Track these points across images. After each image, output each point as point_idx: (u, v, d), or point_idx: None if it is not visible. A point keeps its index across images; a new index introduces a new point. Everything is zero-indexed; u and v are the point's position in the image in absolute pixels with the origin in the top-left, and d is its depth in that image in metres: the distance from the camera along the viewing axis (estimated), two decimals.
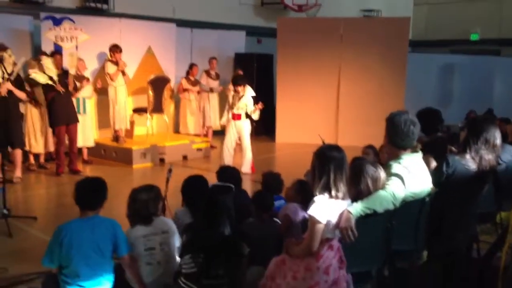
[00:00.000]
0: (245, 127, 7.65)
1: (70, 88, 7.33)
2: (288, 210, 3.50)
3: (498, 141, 3.49)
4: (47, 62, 7.15)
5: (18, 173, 6.97)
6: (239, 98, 7.48)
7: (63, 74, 7.30)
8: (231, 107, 7.56)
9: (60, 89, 7.12)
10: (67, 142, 7.51)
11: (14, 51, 7.63)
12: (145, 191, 3.40)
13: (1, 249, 4.56)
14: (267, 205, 3.68)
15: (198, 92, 9.93)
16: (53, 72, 7.13)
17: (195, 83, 9.92)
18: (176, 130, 10.06)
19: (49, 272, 3.33)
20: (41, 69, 7.15)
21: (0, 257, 4.30)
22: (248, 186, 6.17)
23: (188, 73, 9.85)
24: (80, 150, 8.17)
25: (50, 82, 7.08)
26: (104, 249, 3.08)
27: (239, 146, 7.97)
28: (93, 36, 8.69)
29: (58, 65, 7.31)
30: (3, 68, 5.90)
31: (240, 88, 7.46)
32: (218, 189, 3.99)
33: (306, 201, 3.52)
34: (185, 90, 9.75)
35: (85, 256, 3.01)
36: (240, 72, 10.32)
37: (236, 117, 7.56)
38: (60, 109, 7.25)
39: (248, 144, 7.70)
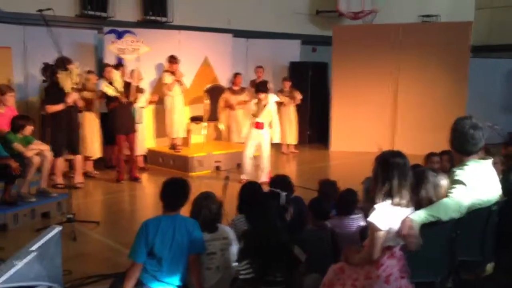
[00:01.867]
0: (266, 137, 7.49)
1: (132, 99, 7.60)
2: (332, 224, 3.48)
3: None
4: (115, 74, 7.53)
5: (79, 178, 7.26)
6: (263, 107, 7.37)
7: (126, 85, 7.58)
8: (255, 115, 7.40)
9: (125, 100, 7.43)
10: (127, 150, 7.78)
11: (79, 64, 8.04)
12: (208, 199, 3.46)
13: (66, 252, 4.72)
14: (324, 212, 3.63)
15: (245, 102, 9.91)
16: (120, 84, 7.47)
17: (240, 92, 9.83)
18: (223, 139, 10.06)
19: (115, 274, 3.43)
20: (110, 81, 7.57)
21: (65, 260, 4.46)
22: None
23: (232, 83, 9.80)
24: None
25: (118, 95, 7.41)
26: (183, 247, 3.20)
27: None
28: (153, 47, 8.95)
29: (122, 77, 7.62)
30: (70, 79, 6.20)
31: (262, 96, 7.29)
32: (267, 195, 3.99)
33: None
34: (228, 106, 9.62)
35: (166, 251, 3.15)
36: (288, 82, 10.29)
37: (259, 126, 7.38)
38: (120, 119, 7.53)
39: (267, 154, 7.52)
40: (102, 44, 8.89)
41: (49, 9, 5.26)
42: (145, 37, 8.97)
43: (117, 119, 7.53)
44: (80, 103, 7.12)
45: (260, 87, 7.45)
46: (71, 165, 7.40)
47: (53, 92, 6.70)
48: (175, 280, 3.22)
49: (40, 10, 5.32)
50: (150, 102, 8.76)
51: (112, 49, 8.77)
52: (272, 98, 7.47)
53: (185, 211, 3.51)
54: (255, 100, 7.47)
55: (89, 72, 7.97)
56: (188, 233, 3.22)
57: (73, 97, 6.64)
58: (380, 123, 10.40)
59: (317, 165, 9.58)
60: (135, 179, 7.71)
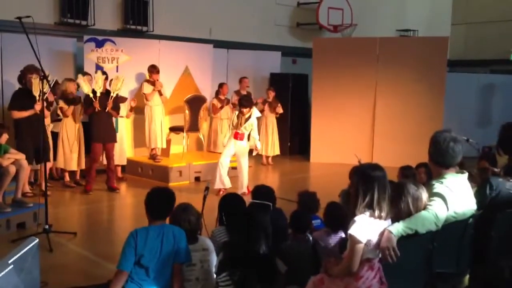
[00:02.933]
0: (246, 148, 7.51)
1: (109, 108, 7.49)
2: (317, 237, 3.50)
3: None
4: (99, 78, 7.46)
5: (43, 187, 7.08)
6: (245, 120, 7.35)
7: (105, 94, 7.50)
8: (236, 127, 7.38)
9: (97, 106, 7.33)
10: (102, 160, 7.69)
11: (57, 72, 7.95)
12: (187, 210, 3.45)
13: (42, 263, 4.60)
14: (304, 226, 3.65)
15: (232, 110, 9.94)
16: (99, 89, 7.40)
17: (226, 102, 9.89)
18: (208, 149, 10.04)
19: (92, 286, 3.38)
20: (90, 82, 7.51)
21: (41, 272, 4.37)
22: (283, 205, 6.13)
23: (218, 92, 9.83)
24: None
25: (91, 95, 7.34)
26: (170, 256, 3.19)
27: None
28: (133, 57, 8.95)
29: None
30: (40, 87, 6.07)
31: (245, 110, 7.30)
32: (257, 206, 3.99)
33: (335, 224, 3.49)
34: (214, 111, 9.69)
35: (155, 260, 3.13)
36: (272, 92, 10.35)
37: (239, 136, 7.36)
38: (97, 127, 7.42)
39: (246, 166, 7.51)
40: (82, 52, 8.81)
41: (28, 16, 5.19)
42: (125, 46, 8.96)
43: (94, 127, 7.43)
44: (47, 113, 6.99)
45: (244, 102, 7.38)
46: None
47: (21, 98, 6.59)
48: None
49: (19, 18, 5.24)
50: (131, 109, 8.62)
51: (92, 57, 8.72)
52: (255, 113, 7.49)
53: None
54: (237, 113, 7.47)
55: (69, 80, 7.87)
56: (175, 242, 3.21)
57: (40, 105, 6.54)
58: (359, 135, 10.52)
59: (296, 176, 9.62)
60: (113, 190, 7.62)
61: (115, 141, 7.72)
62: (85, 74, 8.00)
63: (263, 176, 9.42)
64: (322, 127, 10.72)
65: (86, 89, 7.43)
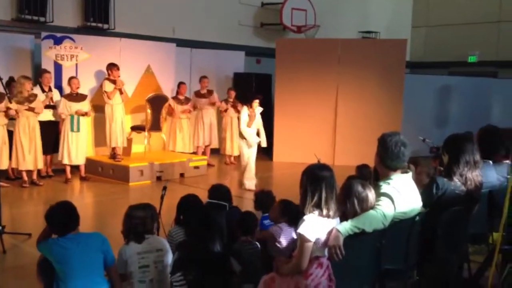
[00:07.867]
0: (256, 146, 8.01)
1: None
2: (273, 231, 3.53)
3: (477, 156, 3.54)
4: None
5: None
6: (254, 116, 7.69)
7: None
8: (248, 126, 7.69)
9: None
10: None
11: (14, 69, 7.74)
12: (141, 209, 3.43)
13: None
14: (249, 228, 3.64)
15: (189, 111, 9.85)
16: None
17: (185, 101, 9.80)
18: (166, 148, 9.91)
19: None
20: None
21: None
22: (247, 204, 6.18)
23: (177, 92, 9.75)
24: (77, 167, 8.28)
25: None
26: (96, 263, 3.14)
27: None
28: (93, 54, 8.81)
29: None
30: None
31: (255, 104, 7.73)
32: (212, 206, 4.01)
33: (291, 221, 3.52)
34: (170, 114, 9.57)
35: (79, 272, 3.06)
36: (233, 92, 10.39)
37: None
38: None
39: (254, 162, 7.99)
40: (40, 49, 8.60)
41: None
42: (85, 43, 8.82)
43: None
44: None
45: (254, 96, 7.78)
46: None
47: None
48: None
49: None
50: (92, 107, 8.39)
51: (50, 55, 8.54)
52: (257, 109, 7.86)
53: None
54: (246, 110, 7.70)
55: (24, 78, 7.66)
56: (99, 247, 3.18)
57: None
58: (321, 134, 10.67)
59: (259, 175, 9.65)
60: None
61: None
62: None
63: (226, 175, 9.44)
64: (285, 127, 10.82)
65: None
